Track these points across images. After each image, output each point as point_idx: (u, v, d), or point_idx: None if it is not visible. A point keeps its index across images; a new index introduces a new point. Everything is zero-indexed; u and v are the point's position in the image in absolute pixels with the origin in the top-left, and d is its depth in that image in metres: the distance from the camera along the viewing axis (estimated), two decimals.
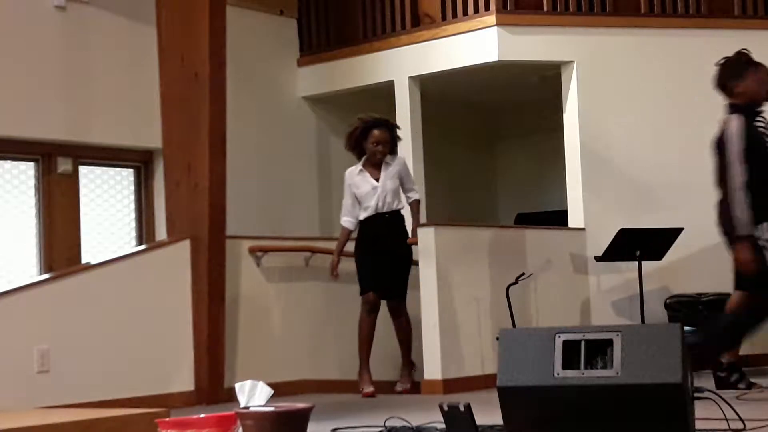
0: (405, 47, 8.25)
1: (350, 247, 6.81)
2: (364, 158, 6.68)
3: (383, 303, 6.67)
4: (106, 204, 7.59)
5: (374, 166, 6.66)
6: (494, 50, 7.77)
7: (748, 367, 7.26)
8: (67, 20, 7.18)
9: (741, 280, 5.59)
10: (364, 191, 6.62)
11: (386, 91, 8.36)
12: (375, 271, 6.60)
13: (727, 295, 7.12)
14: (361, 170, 6.66)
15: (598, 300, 7.74)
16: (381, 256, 6.59)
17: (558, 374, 3.24)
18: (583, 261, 7.71)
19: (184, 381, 6.49)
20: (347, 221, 6.71)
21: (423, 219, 7.85)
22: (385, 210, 6.61)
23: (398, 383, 6.69)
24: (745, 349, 7.34)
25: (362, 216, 6.65)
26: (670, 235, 7.30)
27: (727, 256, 7.80)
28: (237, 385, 3.46)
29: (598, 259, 7.42)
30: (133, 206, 7.72)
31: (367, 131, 6.62)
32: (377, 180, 6.62)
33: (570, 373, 3.24)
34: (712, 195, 7.89)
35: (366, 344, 6.60)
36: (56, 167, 7.21)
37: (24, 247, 7.08)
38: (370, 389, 6.48)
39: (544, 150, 9.68)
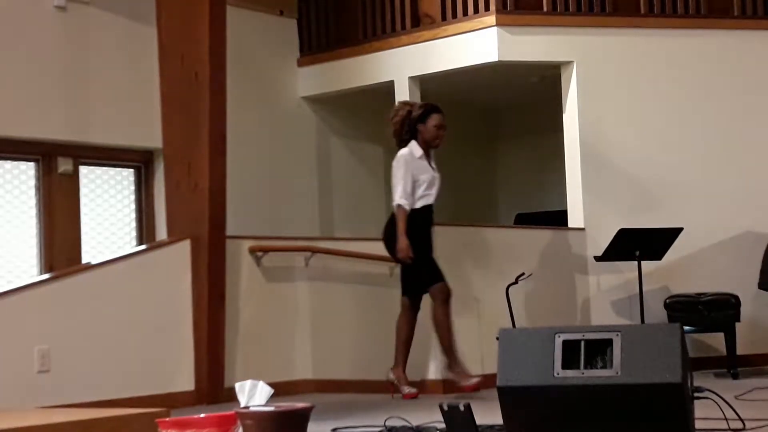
0: (405, 47, 8.25)
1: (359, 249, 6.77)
2: (413, 144, 6.34)
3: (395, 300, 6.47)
4: (107, 204, 7.59)
5: (426, 154, 6.39)
6: (494, 50, 7.77)
7: (748, 367, 7.28)
8: (67, 20, 7.18)
9: None
10: (427, 177, 6.32)
11: (386, 91, 8.36)
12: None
13: (727, 294, 7.14)
14: (421, 155, 6.34)
15: (598, 300, 7.74)
16: (431, 247, 6.36)
17: (558, 374, 3.25)
18: (583, 261, 7.71)
19: (184, 381, 6.50)
20: (407, 204, 6.24)
21: None
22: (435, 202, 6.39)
23: (468, 377, 6.15)
24: (745, 349, 7.37)
25: (419, 204, 6.31)
26: (669, 235, 7.30)
27: (727, 256, 7.83)
28: (237, 385, 3.46)
29: (597, 259, 7.42)
30: (133, 206, 7.72)
31: (427, 115, 6.36)
32: (433, 169, 6.39)
33: (570, 373, 3.24)
34: (712, 195, 7.92)
35: (409, 344, 6.40)
36: (57, 167, 7.21)
37: (24, 248, 7.08)
38: (413, 390, 6.31)
39: (544, 150, 9.68)
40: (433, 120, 6.36)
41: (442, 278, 6.29)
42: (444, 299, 6.28)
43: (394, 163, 6.35)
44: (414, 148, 6.34)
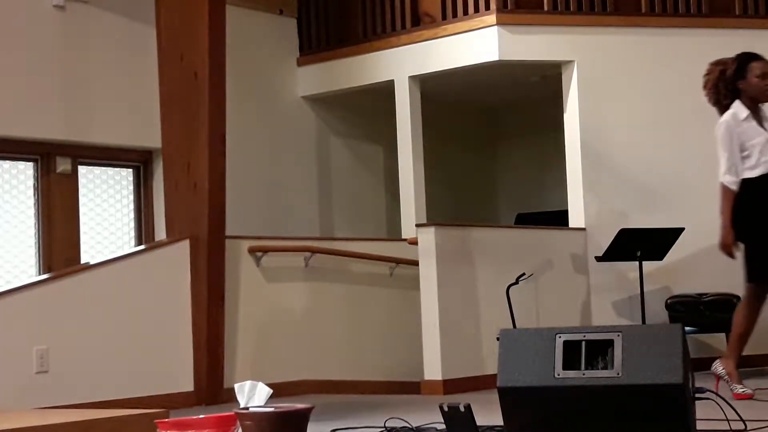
0: (405, 47, 8.24)
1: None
2: (737, 104, 5.49)
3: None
4: (106, 204, 7.57)
5: (755, 113, 5.48)
6: (494, 50, 7.76)
7: (749, 368, 7.26)
8: (66, 20, 7.16)
9: None
10: (758, 141, 5.41)
11: (386, 91, 8.35)
12: None
13: (728, 295, 7.12)
14: (748, 115, 5.46)
15: (599, 300, 7.73)
16: None
17: (559, 375, 3.23)
18: (584, 261, 7.69)
19: (183, 381, 6.48)
20: (733, 182, 5.44)
21: (423, 219, 7.86)
22: None
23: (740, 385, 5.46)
24: (747, 350, 7.34)
25: (755, 173, 5.41)
26: (670, 235, 7.28)
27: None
28: (236, 386, 3.45)
29: (598, 259, 7.40)
30: (132, 206, 7.70)
31: (745, 67, 5.51)
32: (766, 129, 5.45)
33: (571, 374, 3.23)
34: (714, 194, 7.89)
35: (746, 338, 5.55)
36: (55, 167, 7.20)
37: (23, 248, 7.06)
38: (747, 390, 5.43)
39: (544, 150, 9.67)
40: (754, 70, 5.51)
41: None
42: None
43: (716, 133, 5.58)
44: (738, 110, 5.49)
